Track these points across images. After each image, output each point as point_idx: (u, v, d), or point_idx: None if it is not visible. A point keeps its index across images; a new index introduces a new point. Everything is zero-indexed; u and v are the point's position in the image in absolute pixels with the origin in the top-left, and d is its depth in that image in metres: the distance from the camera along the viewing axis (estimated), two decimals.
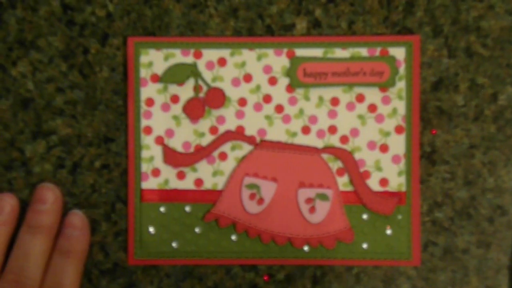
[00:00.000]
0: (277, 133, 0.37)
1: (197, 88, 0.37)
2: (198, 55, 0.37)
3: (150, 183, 0.37)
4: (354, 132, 0.37)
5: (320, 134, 0.37)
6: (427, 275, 0.38)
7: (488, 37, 0.37)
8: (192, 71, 0.37)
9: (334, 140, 0.37)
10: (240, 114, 0.37)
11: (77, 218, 0.37)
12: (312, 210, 0.37)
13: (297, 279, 0.38)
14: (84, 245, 0.37)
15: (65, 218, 0.37)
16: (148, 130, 0.37)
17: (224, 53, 0.37)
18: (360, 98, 0.37)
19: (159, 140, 0.37)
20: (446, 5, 0.37)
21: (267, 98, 0.37)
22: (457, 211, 0.38)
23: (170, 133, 0.37)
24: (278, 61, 0.37)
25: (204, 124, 0.37)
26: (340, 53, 0.37)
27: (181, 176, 0.37)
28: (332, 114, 0.37)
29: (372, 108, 0.37)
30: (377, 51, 0.37)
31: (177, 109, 0.37)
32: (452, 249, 0.38)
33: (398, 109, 0.37)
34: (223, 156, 0.37)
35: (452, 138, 0.37)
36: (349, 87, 0.37)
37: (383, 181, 0.37)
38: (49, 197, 0.36)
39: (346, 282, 0.38)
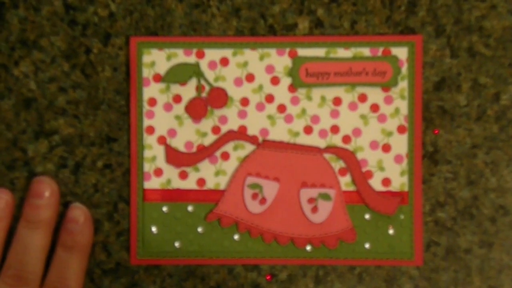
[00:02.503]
0: (279, 133, 0.37)
1: (199, 88, 0.37)
2: (200, 55, 0.37)
3: (152, 183, 0.37)
4: (357, 132, 0.37)
5: (323, 134, 0.37)
6: (429, 275, 0.38)
7: (490, 37, 0.37)
8: (194, 71, 0.37)
9: (336, 140, 0.37)
10: (242, 114, 0.37)
11: (79, 212, 0.37)
12: (315, 210, 0.37)
13: (299, 279, 0.38)
14: (88, 239, 0.37)
15: (67, 212, 0.37)
16: (151, 130, 0.37)
17: (227, 53, 0.37)
18: (363, 98, 0.37)
19: (162, 140, 0.37)
20: (448, 5, 0.37)
21: (270, 98, 0.37)
22: (459, 211, 0.38)
23: (172, 133, 0.37)
24: (281, 61, 0.37)
25: (207, 124, 0.37)
26: (342, 53, 0.37)
27: (183, 176, 0.37)
28: (335, 114, 0.37)
29: (374, 108, 0.37)
30: (380, 51, 0.37)
31: (179, 109, 0.37)
32: (455, 249, 0.38)
33: (400, 109, 0.37)
34: (225, 156, 0.37)
35: (454, 138, 0.37)
36: (351, 87, 0.37)
37: (386, 181, 0.37)
38: (46, 191, 0.36)
39: (349, 282, 0.38)
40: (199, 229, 0.38)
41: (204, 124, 0.37)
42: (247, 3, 0.37)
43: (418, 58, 0.37)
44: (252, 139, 0.37)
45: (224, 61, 0.37)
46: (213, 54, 0.37)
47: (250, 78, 0.37)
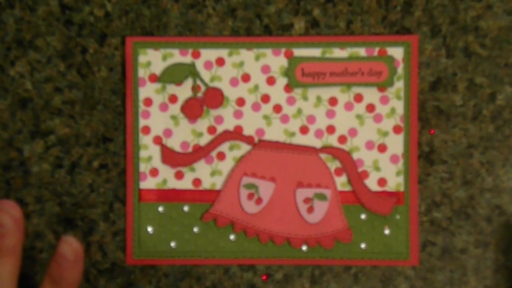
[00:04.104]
0: (275, 133, 0.37)
1: (195, 88, 0.37)
2: (196, 55, 0.37)
3: (148, 183, 0.37)
4: (352, 132, 0.37)
5: (318, 134, 0.37)
6: (425, 275, 0.38)
7: (486, 37, 0.37)
8: (190, 71, 0.37)
9: (332, 140, 0.37)
10: (238, 114, 0.37)
11: (70, 249, 0.33)
12: (310, 210, 0.37)
13: (295, 279, 0.38)
14: (76, 275, 0.34)
15: (58, 244, 0.35)
16: (146, 130, 0.37)
17: (222, 53, 0.37)
18: (358, 98, 0.37)
19: (157, 140, 0.37)
20: (444, 5, 0.37)
21: (265, 98, 0.37)
22: (455, 211, 0.38)
23: (168, 133, 0.37)
24: (276, 61, 0.37)
25: (202, 124, 0.37)
26: (338, 53, 0.37)
27: (179, 176, 0.37)
28: (330, 114, 0.37)
29: (370, 108, 0.37)
30: (375, 51, 0.37)
31: (175, 109, 0.37)
32: (450, 249, 0.38)
33: (396, 109, 0.37)
34: (221, 156, 0.37)
35: (450, 138, 0.37)
36: (347, 87, 0.37)
37: (381, 181, 0.37)
38: (7, 220, 0.35)
39: (344, 282, 0.38)
40: (195, 229, 0.38)
41: (200, 124, 0.37)
42: (242, 3, 0.37)
43: (414, 58, 0.37)
44: (248, 139, 0.37)
45: (220, 61, 0.37)
46: (208, 54, 0.37)
47: (246, 78, 0.37)
